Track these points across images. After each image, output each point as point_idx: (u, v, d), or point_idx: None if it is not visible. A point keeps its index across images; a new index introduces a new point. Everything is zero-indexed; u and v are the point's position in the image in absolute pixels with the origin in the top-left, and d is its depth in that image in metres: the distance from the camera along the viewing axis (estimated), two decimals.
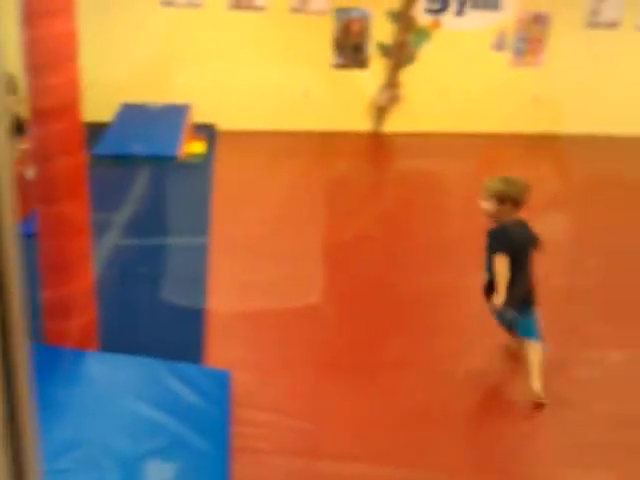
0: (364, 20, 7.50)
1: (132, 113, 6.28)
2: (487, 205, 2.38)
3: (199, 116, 6.85)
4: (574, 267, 3.54)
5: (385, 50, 7.24)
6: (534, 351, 2.37)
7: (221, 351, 2.48)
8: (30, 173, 5.73)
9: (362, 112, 7.26)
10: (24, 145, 4.15)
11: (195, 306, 2.81)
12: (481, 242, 2.46)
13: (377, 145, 7.03)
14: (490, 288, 2.38)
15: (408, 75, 7.17)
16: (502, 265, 2.29)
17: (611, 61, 7.22)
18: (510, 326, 2.51)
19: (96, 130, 4.72)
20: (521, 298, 2.37)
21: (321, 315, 2.87)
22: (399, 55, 7.19)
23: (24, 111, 3.40)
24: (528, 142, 6.66)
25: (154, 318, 2.70)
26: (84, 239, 2.19)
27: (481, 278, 2.47)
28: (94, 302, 2.24)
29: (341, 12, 7.42)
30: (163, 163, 5.24)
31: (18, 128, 4.90)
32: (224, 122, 7.22)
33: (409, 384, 2.45)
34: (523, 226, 2.44)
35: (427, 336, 2.82)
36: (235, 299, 2.94)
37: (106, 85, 6.17)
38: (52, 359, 2.01)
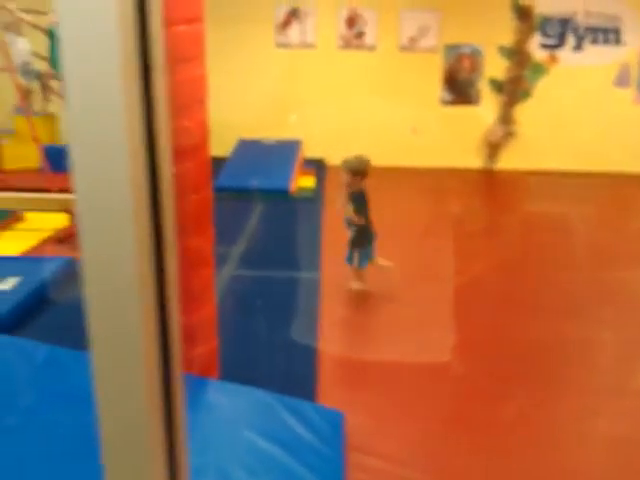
0: (475, 56, 7.42)
1: (248, 148, 6.61)
2: (345, 177, 3.38)
3: (309, 151, 7.06)
4: None
5: (498, 86, 7.09)
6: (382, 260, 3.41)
7: (332, 390, 2.47)
8: None
9: (473, 149, 7.12)
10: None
11: (307, 341, 2.84)
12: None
13: (490, 183, 6.83)
14: (357, 239, 3.37)
15: (523, 111, 6.96)
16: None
17: None
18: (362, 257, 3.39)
19: (215, 165, 4.97)
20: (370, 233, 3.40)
21: (436, 364, 2.78)
22: (513, 91, 7.00)
23: None
24: None
25: (267, 350, 2.75)
26: (208, 270, 2.30)
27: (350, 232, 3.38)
28: (216, 331, 2.32)
29: (451, 49, 7.40)
30: (276, 197, 5.43)
31: None
32: (333, 157, 7.36)
33: (528, 444, 2.28)
34: (364, 192, 3.41)
35: (551, 392, 2.62)
36: (347, 338, 2.94)
37: (225, 122, 6.54)
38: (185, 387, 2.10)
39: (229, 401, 2.05)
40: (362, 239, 3.40)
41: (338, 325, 3.04)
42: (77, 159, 0.52)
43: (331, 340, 2.87)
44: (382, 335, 2.99)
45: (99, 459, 1.86)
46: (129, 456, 0.59)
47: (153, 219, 0.59)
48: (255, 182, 5.49)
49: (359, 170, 3.38)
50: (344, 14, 7.47)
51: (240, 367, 2.53)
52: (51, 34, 6.22)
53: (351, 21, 7.50)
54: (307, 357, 2.69)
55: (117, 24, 0.50)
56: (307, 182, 6.21)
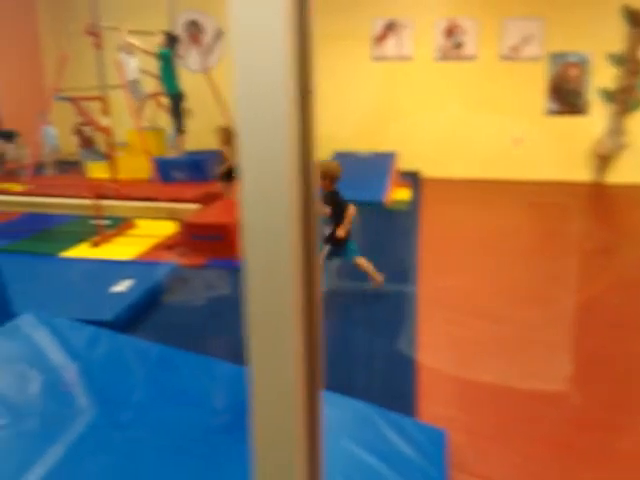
0: (582, 64, 7.07)
1: (344, 161, 6.68)
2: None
3: (405, 163, 7.02)
4: None
5: (609, 95, 6.71)
6: (361, 261, 3.59)
7: (431, 406, 2.43)
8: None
9: (581, 161, 6.78)
10: (233, 191, 4.65)
11: (405, 355, 2.81)
12: None
13: (600, 197, 6.45)
14: (331, 238, 3.54)
15: (636, 122, 6.54)
16: (352, 212, 3.58)
17: None
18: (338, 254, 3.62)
19: None
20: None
21: (545, 387, 2.65)
22: (625, 100, 6.60)
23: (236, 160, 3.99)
24: None
25: (365, 362, 2.76)
26: None
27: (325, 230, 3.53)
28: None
29: (556, 57, 7.11)
30: (371, 208, 5.44)
31: (230, 175, 5.51)
32: (429, 169, 7.28)
33: None
34: (337, 193, 3.59)
35: None
36: (445, 354, 2.88)
37: (321, 135, 6.66)
38: None
39: (330, 411, 2.08)
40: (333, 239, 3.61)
41: (437, 340, 2.99)
42: (246, 174, 0.56)
43: (430, 355, 2.82)
44: (486, 354, 2.90)
45: (204, 454, 1.93)
46: (277, 460, 0.62)
47: (305, 236, 0.62)
48: (350, 193, 5.53)
49: (327, 173, 3.52)
50: (442, 25, 7.40)
51: (340, 378, 2.56)
52: (161, 56, 6.65)
53: (449, 31, 7.41)
54: (406, 371, 2.67)
55: (285, 51, 0.54)
56: (402, 194, 6.18)
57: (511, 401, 2.54)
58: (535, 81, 7.17)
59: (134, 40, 6.61)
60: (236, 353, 2.73)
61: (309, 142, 0.62)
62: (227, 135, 7.54)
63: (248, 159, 0.56)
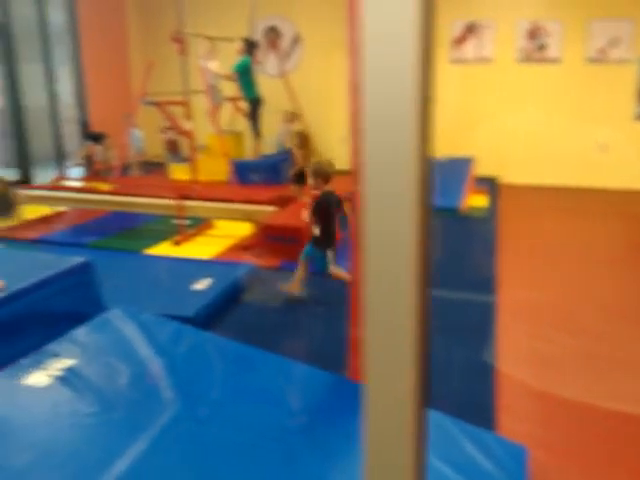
0: None
1: None
2: (310, 180, 3.56)
3: (482, 169, 6.85)
4: None
5: None
6: (337, 270, 3.52)
7: (511, 421, 2.35)
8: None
9: None
10: (305, 194, 4.71)
11: (484, 368, 2.74)
12: None
13: None
14: (320, 239, 3.54)
15: None
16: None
17: None
18: (314, 259, 3.60)
19: None
20: (331, 241, 3.54)
21: (630, 408, 2.51)
22: None
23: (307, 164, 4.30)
24: None
25: (443, 373, 2.70)
26: None
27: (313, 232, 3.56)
28: None
29: None
30: (446, 214, 5.35)
31: (301, 178, 5.55)
32: (508, 175, 7.07)
33: None
34: (332, 194, 3.55)
35: None
36: (527, 367, 2.78)
37: None
38: (355, 395, 2.16)
39: None
40: (324, 241, 3.55)
41: (519, 353, 2.89)
42: (369, 178, 0.56)
43: (511, 368, 2.73)
44: (570, 370, 2.77)
45: (279, 454, 1.95)
46: (388, 475, 0.62)
47: (423, 242, 0.61)
48: None
49: (318, 172, 3.52)
50: (525, 26, 7.17)
51: None
52: (238, 69, 6.86)
53: (533, 33, 7.16)
54: (485, 384, 2.60)
55: (413, 58, 0.54)
56: (479, 201, 6.03)
57: (596, 421, 2.41)
58: (623, 85, 6.81)
59: (214, 65, 6.86)
60: (311, 355, 2.76)
61: (428, 148, 0.62)
62: (302, 139, 7.65)
63: (372, 162, 0.56)
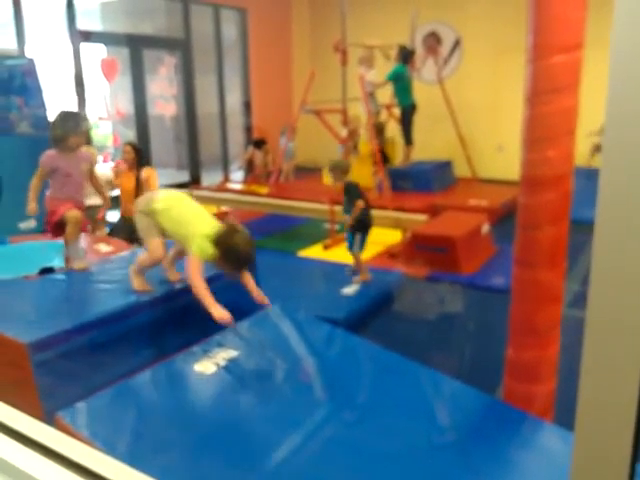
0: None
1: (589, 178, 6.14)
2: (331, 175, 4.27)
3: None
4: None
5: None
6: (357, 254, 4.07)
7: None
8: (485, 229, 6.21)
9: None
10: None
11: None
12: None
13: None
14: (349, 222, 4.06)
15: None
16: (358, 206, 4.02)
17: None
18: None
19: None
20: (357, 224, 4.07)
21: None
22: None
23: None
24: None
25: None
26: (557, 307, 2.18)
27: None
28: (555, 371, 2.20)
29: None
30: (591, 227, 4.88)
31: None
32: None
33: None
34: (352, 183, 4.17)
35: None
36: None
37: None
38: (513, 421, 2.05)
39: (564, 448, 1.91)
40: (361, 224, 4.07)
41: None
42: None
43: None
44: None
45: (423, 468, 1.89)
46: None
47: None
48: (587, 213, 5.05)
49: (335, 167, 4.19)
50: None
51: (570, 413, 2.34)
52: (392, 77, 6.90)
53: None
54: None
55: None
56: None
57: None
58: None
59: (371, 74, 6.98)
60: (460, 372, 2.68)
61: None
62: (378, 130, 7.38)
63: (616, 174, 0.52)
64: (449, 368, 2.76)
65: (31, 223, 5.37)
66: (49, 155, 3.15)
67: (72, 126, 3.14)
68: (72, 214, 3.11)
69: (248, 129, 9.16)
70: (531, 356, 2.15)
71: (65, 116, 3.20)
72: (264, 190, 7.14)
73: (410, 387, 2.40)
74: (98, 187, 3.61)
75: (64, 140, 3.11)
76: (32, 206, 3.13)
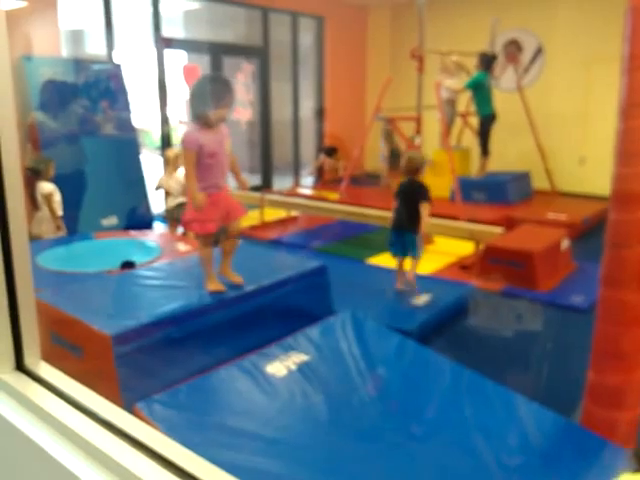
0: None
1: None
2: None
3: None
4: None
5: None
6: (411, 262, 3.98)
7: None
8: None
9: None
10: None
11: None
12: None
13: None
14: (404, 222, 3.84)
15: None
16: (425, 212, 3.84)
17: None
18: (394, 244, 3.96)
19: None
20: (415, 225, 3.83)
21: None
22: None
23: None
24: None
25: None
26: None
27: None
28: None
29: None
30: None
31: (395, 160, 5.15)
32: None
33: None
34: (416, 182, 3.90)
35: None
36: None
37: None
38: (592, 447, 1.95)
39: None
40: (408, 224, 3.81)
41: None
42: None
43: None
44: None
45: None
46: None
47: None
48: None
49: (413, 158, 3.96)
50: None
51: None
52: (472, 84, 6.76)
53: None
54: None
55: None
56: None
57: None
58: None
59: (450, 82, 6.90)
60: (536, 392, 2.57)
61: None
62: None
63: None
64: (524, 388, 2.66)
65: (113, 220, 5.65)
66: (191, 133, 2.57)
67: (219, 93, 2.56)
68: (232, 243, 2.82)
69: (321, 136, 9.25)
70: (615, 380, 2.04)
71: (211, 80, 2.74)
72: (334, 196, 7.18)
73: (483, 405, 2.34)
74: (236, 171, 3.14)
75: (207, 113, 2.53)
76: (201, 197, 2.57)
